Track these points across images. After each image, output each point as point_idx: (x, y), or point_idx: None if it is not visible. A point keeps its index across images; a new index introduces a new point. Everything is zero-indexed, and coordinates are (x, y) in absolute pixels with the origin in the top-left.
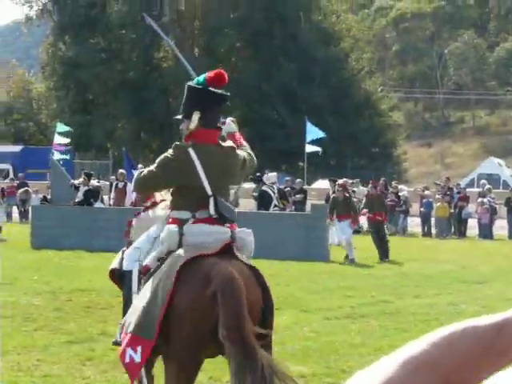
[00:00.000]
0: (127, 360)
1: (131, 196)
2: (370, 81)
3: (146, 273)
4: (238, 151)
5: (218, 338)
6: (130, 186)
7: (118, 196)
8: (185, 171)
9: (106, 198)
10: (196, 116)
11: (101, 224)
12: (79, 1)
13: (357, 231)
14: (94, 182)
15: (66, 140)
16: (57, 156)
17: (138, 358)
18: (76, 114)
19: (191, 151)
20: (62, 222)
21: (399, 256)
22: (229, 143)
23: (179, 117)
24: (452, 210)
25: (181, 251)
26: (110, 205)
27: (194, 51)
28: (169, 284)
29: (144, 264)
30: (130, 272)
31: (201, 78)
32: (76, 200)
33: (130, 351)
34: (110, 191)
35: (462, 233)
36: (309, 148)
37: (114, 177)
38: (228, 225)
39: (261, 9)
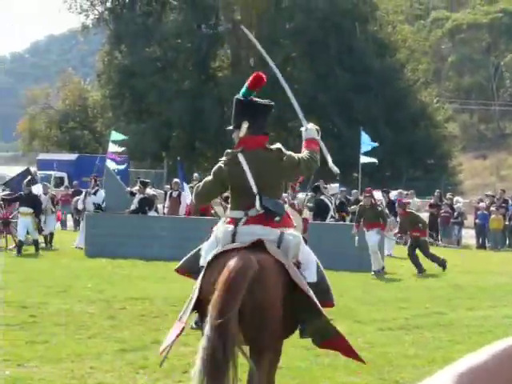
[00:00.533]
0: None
1: (185, 205)
2: (426, 92)
3: None
4: (289, 152)
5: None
6: (185, 195)
7: (172, 205)
8: (234, 174)
9: (160, 206)
10: (244, 125)
11: (155, 232)
12: (135, 10)
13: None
14: (149, 191)
15: (121, 149)
16: (112, 166)
17: (171, 338)
18: (131, 122)
19: (240, 156)
20: (116, 231)
21: (453, 268)
22: (277, 145)
23: (231, 127)
24: (507, 222)
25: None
26: (164, 213)
27: (250, 61)
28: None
29: (207, 260)
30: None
31: (243, 88)
32: (131, 208)
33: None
34: (165, 200)
35: None
36: (363, 159)
37: (168, 186)
38: (278, 219)
39: (316, 19)
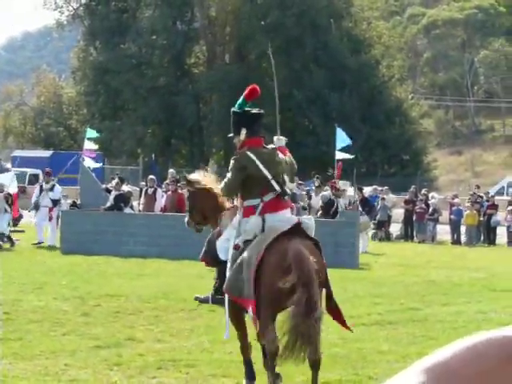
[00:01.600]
0: (251, 319)
1: (160, 202)
2: (401, 88)
3: (237, 249)
4: (279, 152)
5: (288, 300)
6: (160, 192)
7: (147, 202)
8: (249, 166)
9: (135, 203)
10: (243, 131)
11: (130, 230)
12: (110, 6)
13: (387, 238)
14: (125, 188)
15: (95, 146)
16: (89, 163)
17: (251, 313)
18: (106, 119)
19: (249, 152)
20: (91, 228)
21: (428, 264)
22: (271, 146)
23: (231, 135)
24: (481, 218)
25: (264, 235)
26: (139, 210)
27: (225, 58)
28: (256, 257)
29: (235, 243)
30: (226, 261)
31: (240, 100)
32: (106, 205)
33: (249, 312)
34: (140, 197)
35: (491, 241)
36: (339, 155)
37: (143, 183)
38: (287, 198)
39: (292, 15)
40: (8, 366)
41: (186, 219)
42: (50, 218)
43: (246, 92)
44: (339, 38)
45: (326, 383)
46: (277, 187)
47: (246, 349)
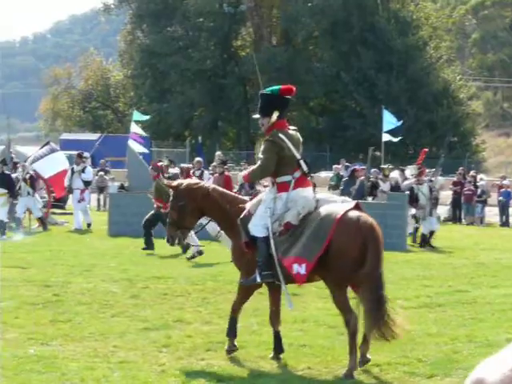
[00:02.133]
0: (295, 272)
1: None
2: (449, 69)
3: (288, 228)
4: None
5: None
6: (207, 174)
7: None
8: (281, 146)
9: None
10: (275, 114)
11: None
12: None
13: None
14: (172, 170)
15: (142, 130)
16: (137, 148)
17: (303, 271)
18: (153, 102)
19: (279, 133)
20: (138, 210)
21: (477, 246)
22: (293, 127)
23: (257, 116)
24: None
25: (324, 209)
26: None
27: (272, 40)
28: (327, 230)
29: (285, 222)
30: (264, 237)
31: (275, 88)
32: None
33: (296, 266)
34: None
35: None
36: (386, 137)
37: (190, 165)
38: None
39: None
40: (58, 347)
41: (168, 235)
42: (82, 200)
43: (283, 86)
44: (386, 20)
45: (376, 366)
46: (305, 167)
47: (238, 312)
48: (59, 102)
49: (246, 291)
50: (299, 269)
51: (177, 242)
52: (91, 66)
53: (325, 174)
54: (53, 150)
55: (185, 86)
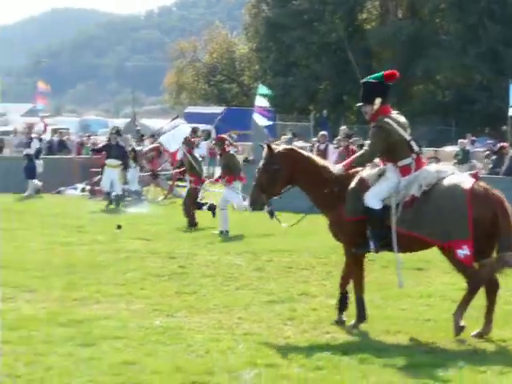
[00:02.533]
0: (461, 257)
1: (332, 158)
2: None
3: (412, 200)
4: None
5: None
6: (331, 148)
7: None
8: (393, 133)
9: None
10: (378, 100)
11: None
12: None
13: None
14: (296, 143)
15: (267, 103)
16: (261, 121)
17: (467, 252)
18: (278, 75)
19: (385, 119)
20: None
21: None
22: (396, 111)
23: (361, 104)
24: None
25: (447, 180)
26: None
27: (398, 13)
28: (462, 202)
29: (410, 194)
30: (382, 208)
31: (378, 75)
32: None
33: (459, 251)
34: (311, 152)
35: None
36: None
37: (315, 138)
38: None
39: None
40: (183, 318)
41: (252, 198)
42: None
43: (386, 72)
44: None
45: (501, 340)
46: (416, 147)
47: (363, 288)
48: (184, 76)
49: (357, 261)
50: (462, 252)
51: (266, 208)
52: (216, 39)
53: (450, 149)
54: (179, 124)
55: (310, 59)
